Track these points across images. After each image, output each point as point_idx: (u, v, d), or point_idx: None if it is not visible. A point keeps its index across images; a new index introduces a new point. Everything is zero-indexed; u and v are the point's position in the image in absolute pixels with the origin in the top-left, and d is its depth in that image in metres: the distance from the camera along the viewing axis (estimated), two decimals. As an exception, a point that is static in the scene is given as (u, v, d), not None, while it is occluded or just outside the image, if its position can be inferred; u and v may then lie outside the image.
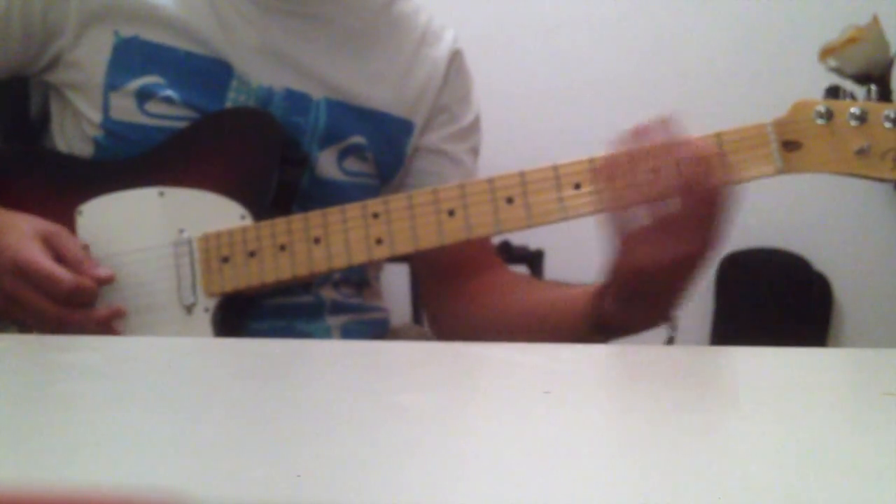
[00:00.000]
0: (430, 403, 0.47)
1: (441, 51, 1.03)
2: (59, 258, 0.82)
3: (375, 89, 0.97)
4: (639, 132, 0.75)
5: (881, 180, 0.78)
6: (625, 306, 0.80)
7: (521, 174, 0.81)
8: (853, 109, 0.77)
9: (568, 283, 0.96)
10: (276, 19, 0.94)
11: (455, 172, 1.01)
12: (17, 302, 0.81)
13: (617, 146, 0.76)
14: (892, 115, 0.76)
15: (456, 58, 1.04)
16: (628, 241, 0.76)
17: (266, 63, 0.92)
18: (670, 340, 0.83)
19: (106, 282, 0.84)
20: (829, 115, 0.78)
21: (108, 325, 0.84)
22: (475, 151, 1.06)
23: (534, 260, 1.90)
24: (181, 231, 0.87)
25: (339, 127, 0.95)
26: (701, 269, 0.77)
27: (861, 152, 0.77)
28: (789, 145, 0.79)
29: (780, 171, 0.78)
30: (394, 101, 0.99)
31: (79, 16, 0.90)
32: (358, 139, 0.96)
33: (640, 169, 0.74)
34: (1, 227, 0.83)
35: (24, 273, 0.79)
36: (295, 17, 0.95)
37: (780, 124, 0.79)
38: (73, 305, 0.81)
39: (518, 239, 1.86)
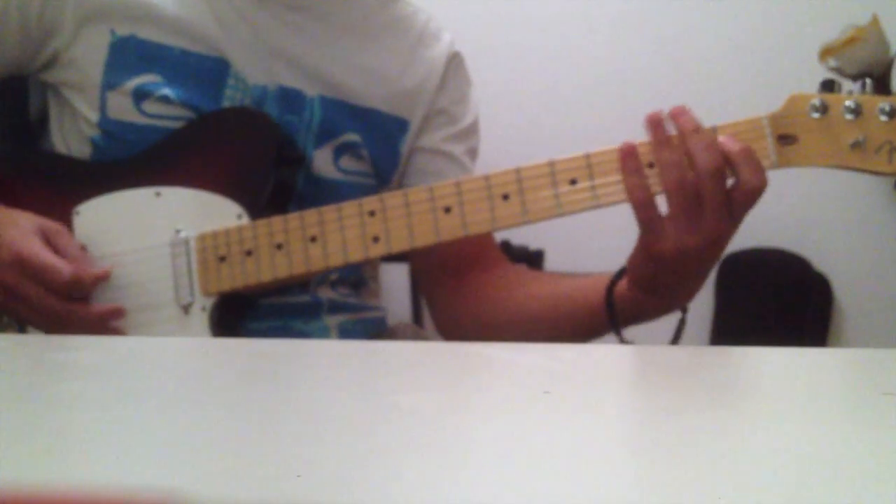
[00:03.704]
0: (429, 403, 0.46)
1: (438, 53, 1.03)
2: (58, 254, 0.83)
3: (370, 86, 0.97)
4: (655, 120, 0.77)
5: (876, 174, 0.77)
6: (643, 292, 0.82)
7: (517, 170, 0.81)
8: (848, 103, 0.77)
9: (575, 273, 0.97)
10: (273, 13, 0.94)
11: (454, 172, 1.01)
12: (17, 295, 0.81)
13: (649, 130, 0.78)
14: (886, 108, 0.76)
15: (454, 60, 1.04)
16: (654, 225, 0.77)
17: (261, 58, 0.92)
18: (680, 328, 0.84)
19: (102, 279, 0.85)
20: (823, 109, 0.78)
21: (105, 324, 0.84)
22: (474, 153, 1.06)
23: (534, 260, 1.90)
24: (178, 231, 0.87)
25: (332, 124, 0.95)
26: (720, 254, 0.79)
27: (856, 145, 0.76)
28: (784, 139, 0.78)
29: (775, 166, 0.78)
30: (388, 99, 0.98)
31: (75, 15, 0.90)
32: (352, 136, 0.96)
33: (667, 155, 0.76)
34: (1, 222, 0.84)
35: (25, 265, 0.80)
36: (291, 11, 0.94)
37: (775, 118, 0.78)
38: (72, 298, 0.82)
39: (518, 239, 1.86)
